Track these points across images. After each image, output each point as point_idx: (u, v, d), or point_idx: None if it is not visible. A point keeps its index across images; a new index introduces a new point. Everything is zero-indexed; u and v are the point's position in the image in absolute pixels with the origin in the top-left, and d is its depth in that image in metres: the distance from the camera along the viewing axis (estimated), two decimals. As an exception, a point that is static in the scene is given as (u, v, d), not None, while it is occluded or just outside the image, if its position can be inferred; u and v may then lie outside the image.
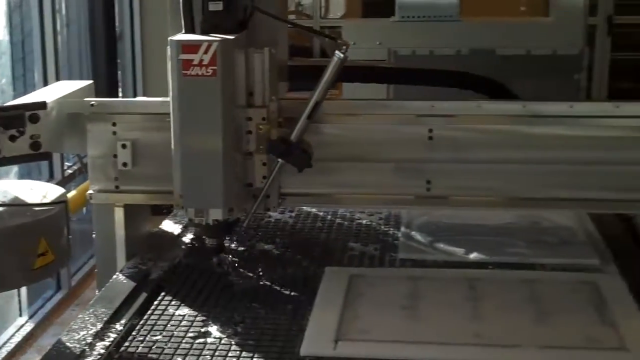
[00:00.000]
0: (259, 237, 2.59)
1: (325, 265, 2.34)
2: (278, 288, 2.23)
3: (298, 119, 2.19)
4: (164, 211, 2.68)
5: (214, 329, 1.99)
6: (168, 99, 2.35)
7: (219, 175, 2.12)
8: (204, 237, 2.38)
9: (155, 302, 2.14)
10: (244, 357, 1.86)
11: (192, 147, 2.12)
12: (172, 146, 2.15)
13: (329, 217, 2.74)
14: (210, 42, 2.03)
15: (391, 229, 2.64)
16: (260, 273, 2.32)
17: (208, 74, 2.04)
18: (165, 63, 2.09)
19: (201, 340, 1.93)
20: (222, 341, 1.93)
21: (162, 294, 2.19)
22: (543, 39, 3.57)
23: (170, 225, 2.69)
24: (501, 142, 2.29)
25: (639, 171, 2.27)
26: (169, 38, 2.08)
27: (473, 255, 2.42)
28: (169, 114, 2.32)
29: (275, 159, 2.20)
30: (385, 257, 2.43)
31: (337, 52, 2.13)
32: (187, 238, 2.57)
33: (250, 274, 2.32)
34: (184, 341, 1.93)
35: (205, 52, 2.03)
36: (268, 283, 2.26)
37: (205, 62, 2.04)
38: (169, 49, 2.08)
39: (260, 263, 2.39)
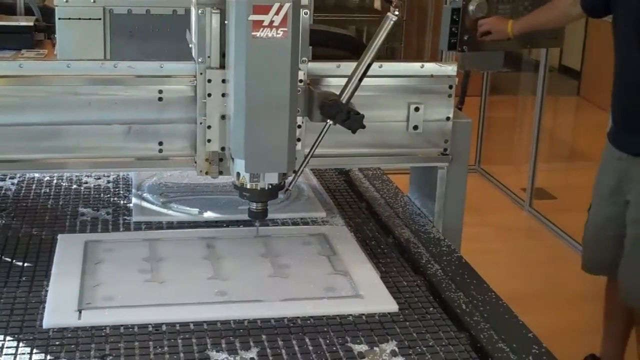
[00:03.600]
0: (-20, 207, 2.45)
1: (57, 233, 2.27)
2: (9, 260, 2.13)
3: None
4: None
5: (-57, 308, 1.87)
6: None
7: (285, 139, 2.03)
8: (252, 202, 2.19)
9: None
10: (-19, 335, 1.77)
11: (259, 110, 2.01)
12: (233, 110, 2.05)
13: (55, 181, 2.64)
14: (282, 3, 1.93)
15: (122, 191, 2.60)
16: (-13, 245, 2.20)
17: (278, 35, 1.95)
18: None
19: None
20: (-45, 320, 1.83)
21: None
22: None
23: None
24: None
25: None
26: None
27: (207, 214, 2.45)
28: None
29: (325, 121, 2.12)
30: (119, 220, 2.40)
31: (389, 14, 2.09)
32: None
33: (-24, 247, 2.20)
34: None
35: (277, 13, 1.93)
36: (-3, 255, 2.16)
37: (275, 24, 1.94)
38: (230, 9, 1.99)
39: (-14, 234, 2.27)
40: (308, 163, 2.18)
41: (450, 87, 2.41)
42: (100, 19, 3.41)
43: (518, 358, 1.79)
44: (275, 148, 2.05)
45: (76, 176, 2.68)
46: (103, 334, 1.80)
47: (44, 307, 1.88)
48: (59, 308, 1.88)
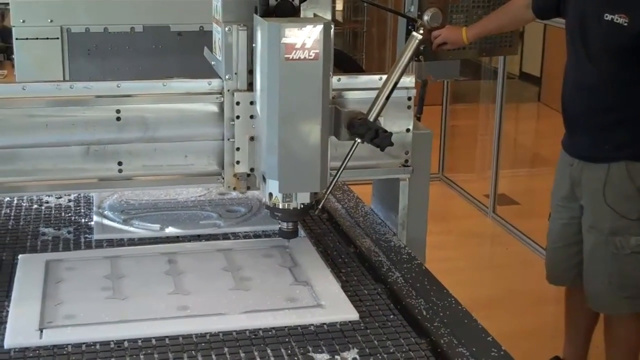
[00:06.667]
0: (-61, 229, 2.44)
1: (18, 253, 2.27)
2: (-31, 281, 2.13)
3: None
4: None
5: None
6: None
7: (317, 158, 2.04)
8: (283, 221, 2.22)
9: None
10: (-58, 357, 1.77)
11: (292, 132, 2.02)
12: (266, 131, 2.05)
13: (15, 202, 2.64)
14: (314, 25, 1.96)
15: (83, 210, 2.60)
16: (-53, 267, 2.19)
17: (310, 57, 1.97)
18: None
19: None
20: None
21: None
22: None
23: None
24: (187, 119, 2.31)
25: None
26: (268, 22, 1.99)
27: (168, 230, 2.46)
28: None
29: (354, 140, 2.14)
30: (80, 239, 2.40)
31: (414, 32, 2.14)
32: None
33: (-64, 270, 2.19)
34: None
35: (309, 35, 1.95)
36: (-42, 277, 2.15)
37: (307, 46, 1.96)
38: (260, 32, 2.01)
39: (-54, 257, 2.26)
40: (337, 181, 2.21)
41: (409, 98, 2.43)
42: (57, 38, 3.42)
43: (477, 361, 1.83)
44: (309, 168, 2.06)
45: (37, 196, 2.68)
46: (65, 353, 1.80)
47: (5, 328, 1.88)
48: (21, 328, 1.88)
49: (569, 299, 3.75)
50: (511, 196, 6.44)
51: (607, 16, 3.12)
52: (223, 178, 2.30)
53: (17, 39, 3.27)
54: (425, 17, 3.75)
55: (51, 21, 3.38)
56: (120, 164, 2.27)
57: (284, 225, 2.20)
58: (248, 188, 2.30)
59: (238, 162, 2.25)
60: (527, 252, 5.51)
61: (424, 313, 2.03)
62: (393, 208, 2.58)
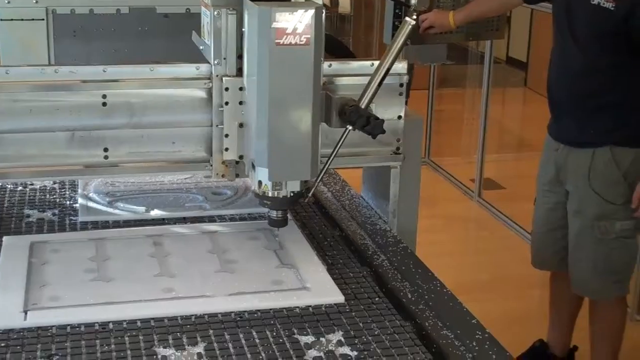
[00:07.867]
0: None
1: (3, 235, 2.26)
2: (-47, 263, 2.12)
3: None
4: None
5: None
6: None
7: (308, 146, 2.01)
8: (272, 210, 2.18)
9: None
10: None
11: (282, 118, 1.99)
12: (255, 118, 2.02)
13: None
14: (305, 10, 1.92)
15: (68, 192, 2.59)
16: None
17: (301, 42, 1.93)
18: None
19: None
20: None
21: None
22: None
23: None
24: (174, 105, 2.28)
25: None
26: (258, 6, 1.94)
27: (154, 212, 2.45)
28: None
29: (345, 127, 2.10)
30: (65, 221, 2.39)
31: (407, 18, 2.14)
32: None
33: None
34: None
35: (300, 20, 1.92)
36: (-59, 259, 2.14)
37: (298, 31, 1.93)
38: (250, 16, 1.97)
39: None
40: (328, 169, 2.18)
41: (401, 85, 2.40)
42: (43, 19, 3.39)
43: (462, 344, 1.83)
44: (299, 156, 2.04)
45: (21, 178, 2.67)
46: (49, 334, 1.80)
47: (-11, 310, 1.88)
48: (5, 309, 1.87)
49: (554, 284, 3.77)
50: (497, 180, 6.46)
51: (593, 0, 3.12)
52: (211, 165, 2.27)
53: (1, 20, 3.24)
54: (413, 1, 3.74)
55: (36, 2, 3.36)
56: (106, 150, 2.23)
57: (274, 213, 2.18)
58: (237, 175, 2.27)
59: (227, 149, 2.22)
60: (512, 237, 5.53)
61: (409, 296, 2.04)
62: (384, 196, 2.56)
